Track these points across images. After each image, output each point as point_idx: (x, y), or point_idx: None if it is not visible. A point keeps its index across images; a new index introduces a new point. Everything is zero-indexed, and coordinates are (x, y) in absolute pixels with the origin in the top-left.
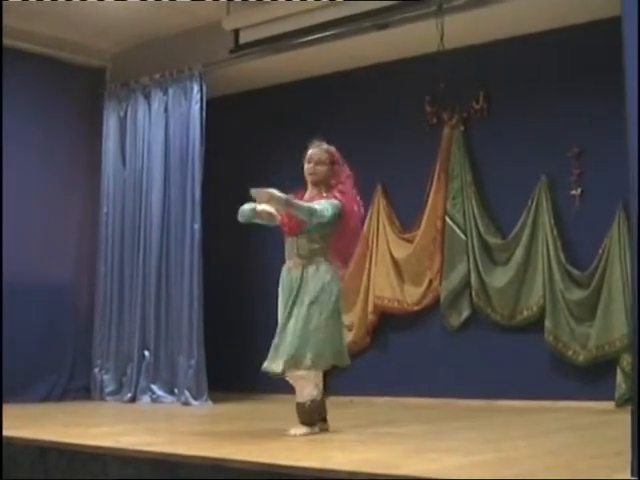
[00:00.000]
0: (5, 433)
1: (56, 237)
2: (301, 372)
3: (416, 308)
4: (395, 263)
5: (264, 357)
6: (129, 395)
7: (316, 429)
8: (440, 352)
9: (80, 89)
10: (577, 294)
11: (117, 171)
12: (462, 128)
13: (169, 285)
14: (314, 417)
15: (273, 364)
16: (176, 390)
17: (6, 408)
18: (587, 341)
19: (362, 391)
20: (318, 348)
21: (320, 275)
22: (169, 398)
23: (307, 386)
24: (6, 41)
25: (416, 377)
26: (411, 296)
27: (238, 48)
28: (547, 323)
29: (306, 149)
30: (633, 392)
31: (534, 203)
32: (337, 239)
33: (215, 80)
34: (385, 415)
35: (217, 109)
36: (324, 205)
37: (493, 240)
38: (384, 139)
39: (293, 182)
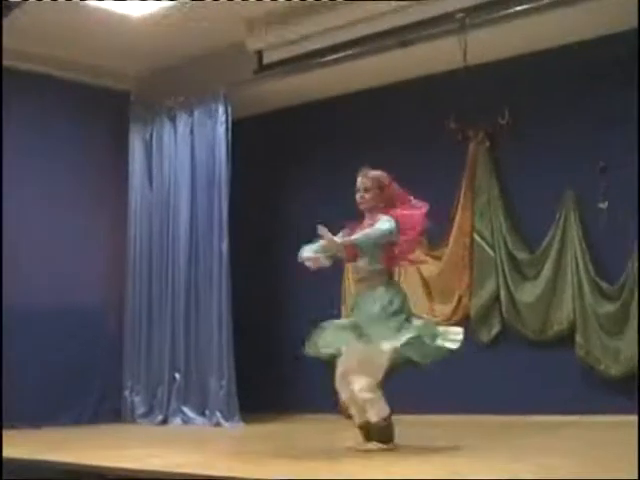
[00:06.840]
0: (38, 457)
1: (84, 259)
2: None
3: (445, 324)
4: (424, 281)
5: (294, 377)
6: (160, 417)
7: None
8: (471, 368)
9: (106, 112)
10: (607, 307)
11: (144, 193)
12: (488, 144)
13: (198, 306)
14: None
15: None
16: (207, 412)
17: (38, 432)
18: (618, 354)
19: (392, 408)
20: None
21: (375, 297)
22: (200, 420)
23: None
24: (30, 65)
25: (447, 393)
26: (441, 313)
27: (262, 68)
28: (578, 337)
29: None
30: None
31: (562, 217)
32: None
33: (240, 101)
34: (416, 433)
35: (243, 129)
36: (376, 226)
37: (522, 255)
38: (409, 157)
39: (319, 202)
